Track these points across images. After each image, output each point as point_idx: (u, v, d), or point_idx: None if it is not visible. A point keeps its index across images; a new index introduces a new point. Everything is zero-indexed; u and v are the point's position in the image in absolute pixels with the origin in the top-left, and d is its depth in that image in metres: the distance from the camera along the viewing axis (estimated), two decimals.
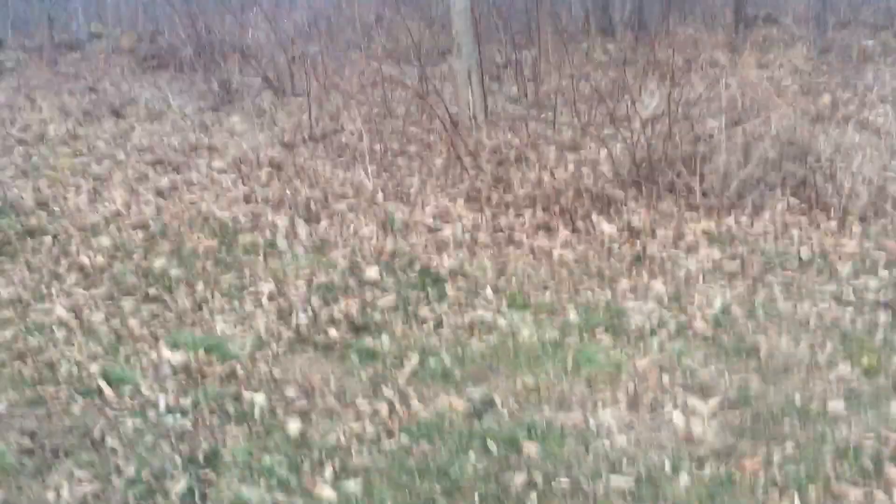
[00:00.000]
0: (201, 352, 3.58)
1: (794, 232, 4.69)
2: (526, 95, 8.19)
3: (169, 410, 3.13)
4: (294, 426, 3.00)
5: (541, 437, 2.89)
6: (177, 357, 3.55)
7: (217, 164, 6.59)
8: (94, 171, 6.45)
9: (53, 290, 4.38)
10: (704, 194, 5.19)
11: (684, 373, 3.30)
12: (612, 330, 3.69)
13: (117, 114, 8.50)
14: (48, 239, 5.09)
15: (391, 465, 2.77)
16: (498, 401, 3.14)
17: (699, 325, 3.70)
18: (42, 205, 5.72)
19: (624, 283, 4.17)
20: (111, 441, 2.92)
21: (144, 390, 3.28)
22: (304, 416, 3.09)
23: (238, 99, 8.80)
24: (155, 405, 3.17)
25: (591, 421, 2.98)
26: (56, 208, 5.63)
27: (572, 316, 3.83)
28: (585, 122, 6.93)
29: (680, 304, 3.92)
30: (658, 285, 4.12)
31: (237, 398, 3.20)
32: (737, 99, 5.90)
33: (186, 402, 3.19)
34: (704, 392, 3.16)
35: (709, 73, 7.11)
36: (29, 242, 5.07)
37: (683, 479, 2.66)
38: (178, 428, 3.00)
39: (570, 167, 5.92)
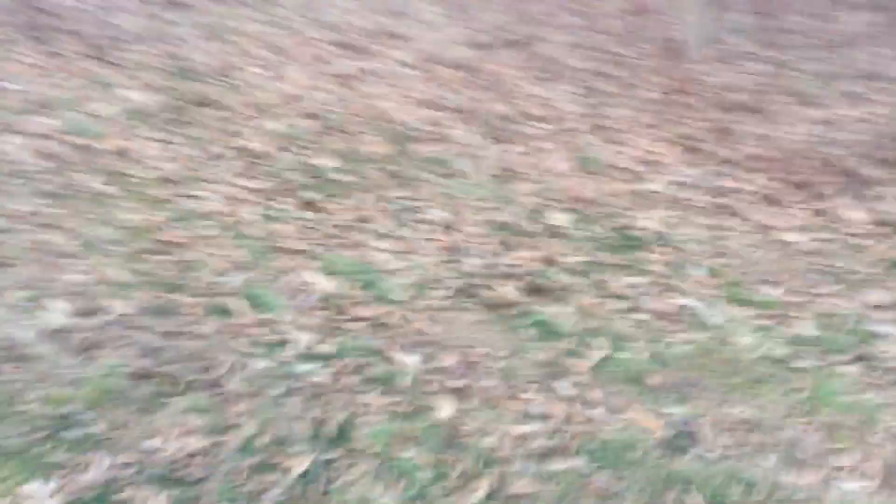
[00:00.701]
0: (355, 285, 3.09)
1: None
2: (760, 28, 7.06)
3: (307, 356, 2.65)
4: (447, 410, 2.44)
5: None
6: (328, 285, 3.07)
7: (402, 55, 6.01)
8: (279, 45, 6.03)
9: (213, 175, 4.00)
10: None
11: None
12: (861, 360, 2.88)
13: None
14: (219, 113, 4.73)
15: (560, 500, 2.16)
16: (706, 434, 2.45)
17: None
18: (221, 74, 5.37)
19: (874, 295, 3.31)
20: (236, 384, 2.47)
21: (285, 322, 2.82)
22: (460, 397, 2.52)
23: None
24: (294, 344, 2.70)
25: (830, 494, 2.26)
26: (233, 81, 5.26)
27: (808, 329, 3.04)
28: (834, 73, 5.81)
29: None
30: None
31: (386, 357, 2.67)
32: None
33: (329, 349, 2.69)
34: None
35: None
36: (199, 112, 4.72)
37: None
38: (313, 383, 2.51)
39: (810, 128, 4.94)
